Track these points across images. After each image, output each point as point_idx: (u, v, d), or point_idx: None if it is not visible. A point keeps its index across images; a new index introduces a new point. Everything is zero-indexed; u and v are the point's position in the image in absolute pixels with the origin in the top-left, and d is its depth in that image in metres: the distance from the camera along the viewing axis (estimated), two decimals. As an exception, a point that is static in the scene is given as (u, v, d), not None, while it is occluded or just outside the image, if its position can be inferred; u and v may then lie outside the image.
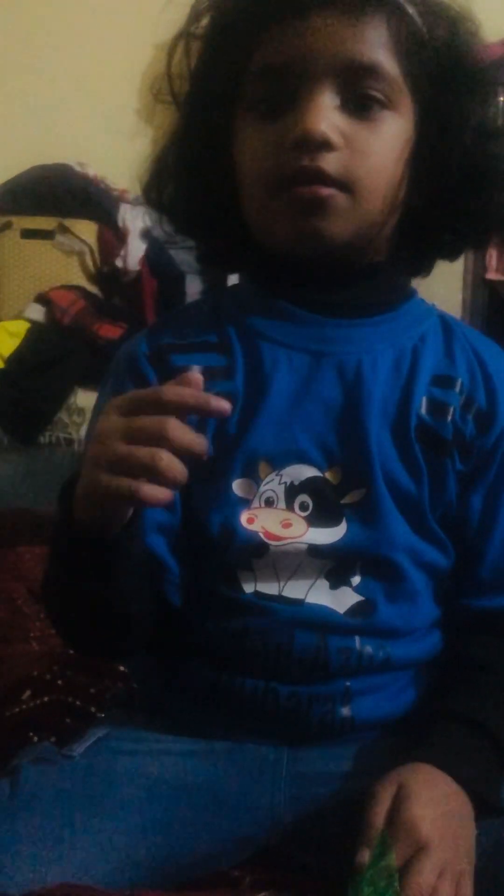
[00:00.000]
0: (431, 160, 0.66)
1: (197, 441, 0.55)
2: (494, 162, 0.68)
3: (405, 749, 0.61)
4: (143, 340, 0.72)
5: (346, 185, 0.63)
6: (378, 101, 0.64)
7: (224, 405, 0.56)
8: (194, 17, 0.68)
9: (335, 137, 0.62)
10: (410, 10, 0.64)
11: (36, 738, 0.82)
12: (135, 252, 2.37)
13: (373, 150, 0.64)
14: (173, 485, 0.54)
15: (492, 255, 2.27)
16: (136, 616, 0.65)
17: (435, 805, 0.57)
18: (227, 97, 0.66)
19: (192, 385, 0.55)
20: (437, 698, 0.67)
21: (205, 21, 0.68)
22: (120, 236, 2.40)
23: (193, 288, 2.38)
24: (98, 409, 0.71)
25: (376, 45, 0.63)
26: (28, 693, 0.90)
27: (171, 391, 0.55)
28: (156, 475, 0.54)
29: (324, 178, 0.63)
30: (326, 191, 0.63)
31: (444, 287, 2.14)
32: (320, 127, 0.61)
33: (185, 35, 0.69)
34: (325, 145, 0.62)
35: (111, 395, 0.70)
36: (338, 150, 0.62)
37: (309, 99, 0.62)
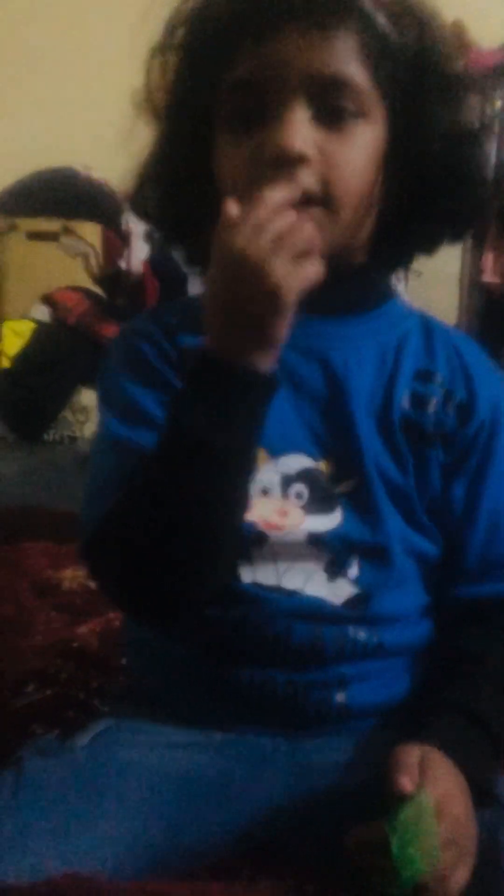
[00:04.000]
0: (404, 163, 0.67)
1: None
2: (467, 164, 0.69)
3: (403, 740, 0.61)
4: (148, 320, 0.72)
5: (322, 198, 0.64)
6: (350, 112, 0.65)
7: None
8: (170, 30, 0.69)
9: (309, 151, 0.63)
10: (380, 19, 0.64)
11: (39, 731, 0.83)
12: (138, 254, 2.39)
13: (346, 161, 0.65)
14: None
15: (488, 258, 2.28)
16: (235, 530, 0.63)
17: (452, 779, 0.58)
18: (204, 110, 0.67)
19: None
20: (433, 690, 0.68)
21: (180, 34, 0.69)
22: (123, 238, 2.41)
23: (196, 289, 2.38)
24: (108, 390, 0.71)
25: (346, 57, 0.64)
26: (31, 686, 0.91)
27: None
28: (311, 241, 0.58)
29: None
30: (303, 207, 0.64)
31: (440, 290, 2.14)
32: (296, 143, 0.62)
33: (161, 49, 0.70)
34: (301, 160, 0.63)
35: (125, 367, 0.70)
36: (312, 163, 0.63)
37: (283, 114, 0.63)
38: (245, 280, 0.58)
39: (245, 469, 0.62)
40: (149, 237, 2.36)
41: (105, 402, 0.72)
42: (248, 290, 0.58)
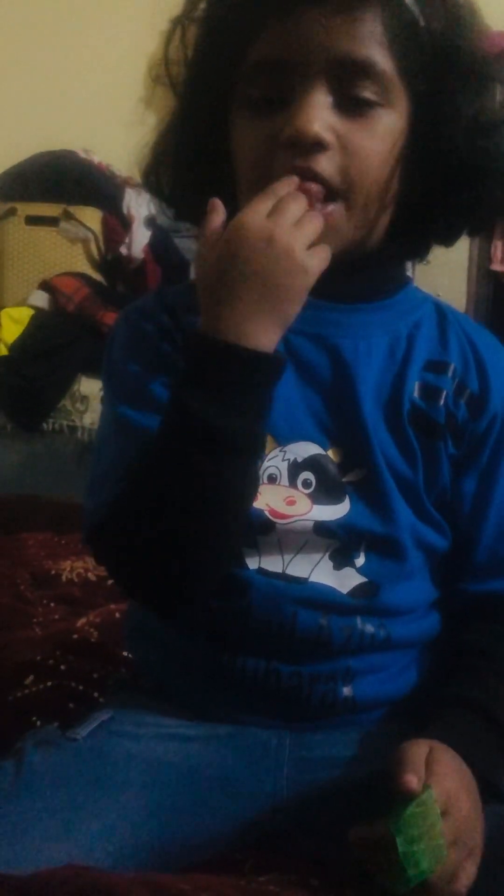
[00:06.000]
0: (424, 152, 0.66)
1: None
2: (488, 154, 0.67)
3: (408, 734, 0.61)
4: (153, 301, 0.72)
5: (339, 189, 0.63)
6: (372, 101, 0.63)
7: None
8: (191, 3, 0.68)
9: (328, 137, 0.62)
10: (408, 2, 0.63)
11: (39, 723, 0.83)
12: (139, 240, 2.36)
13: (366, 150, 0.63)
14: None
15: (497, 247, 2.27)
16: (243, 515, 0.63)
17: (459, 776, 0.58)
18: (223, 88, 0.66)
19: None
20: (439, 684, 0.68)
21: (202, 6, 0.68)
22: (125, 224, 2.39)
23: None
24: (113, 373, 0.70)
25: (371, 42, 0.62)
26: (31, 678, 0.91)
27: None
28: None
29: (316, 179, 0.62)
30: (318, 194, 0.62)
31: (448, 278, 2.13)
32: (314, 127, 0.61)
33: (181, 21, 0.69)
34: (318, 146, 0.62)
35: (130, 349, 0.69)
36: (331, 150, 0.62)
37: (303, 97, 0.62)
38: (272, 259, 0.59)
39: (255, 452, 0.62)
40: (150, 222, 2.35)
41: (109, 385, 0.71)
42: (274, 270, 0.59)
